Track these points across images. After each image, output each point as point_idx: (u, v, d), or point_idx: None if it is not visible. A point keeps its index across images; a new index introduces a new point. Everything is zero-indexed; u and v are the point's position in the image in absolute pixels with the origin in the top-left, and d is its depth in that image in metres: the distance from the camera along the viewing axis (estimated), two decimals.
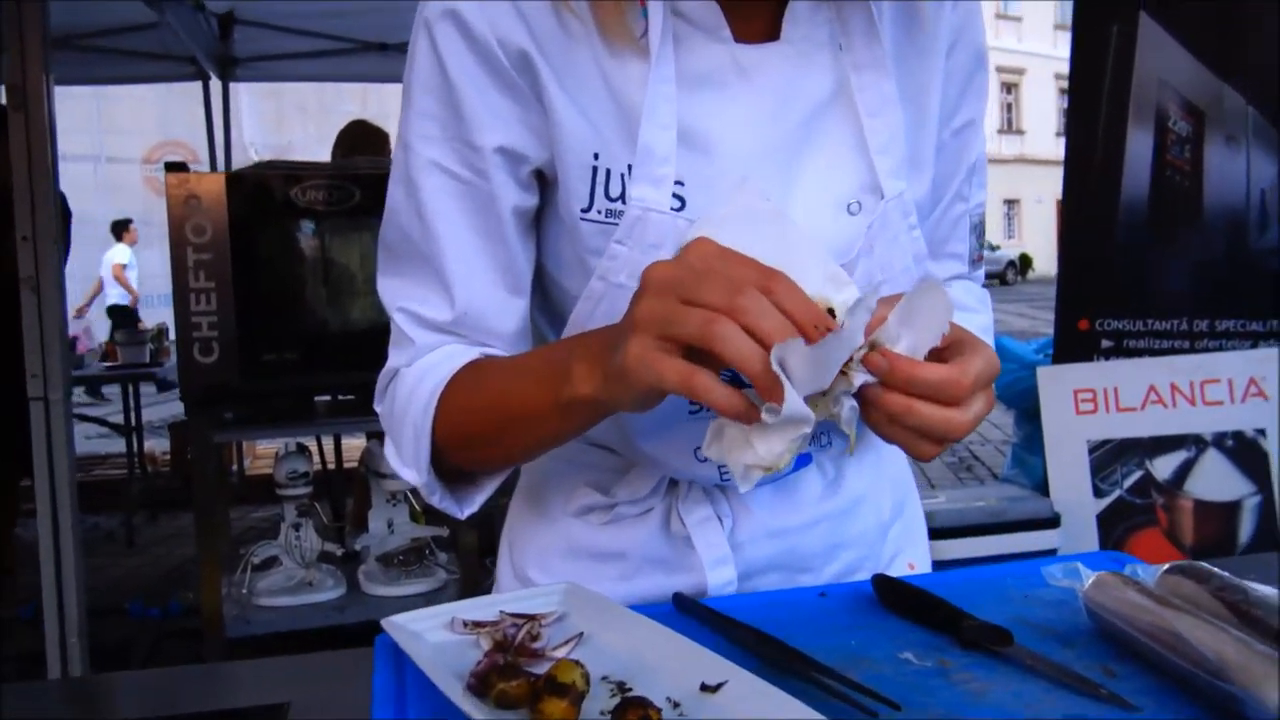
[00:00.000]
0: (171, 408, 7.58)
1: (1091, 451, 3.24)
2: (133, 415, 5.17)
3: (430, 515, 3.73)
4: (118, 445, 6.04)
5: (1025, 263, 31.55)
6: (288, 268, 3.01)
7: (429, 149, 0.80)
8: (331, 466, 4.56)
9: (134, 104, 12.52)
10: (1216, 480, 3.18)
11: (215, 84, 5.43)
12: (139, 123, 12.69)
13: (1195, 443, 3.20)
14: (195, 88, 5.46)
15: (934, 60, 0.84)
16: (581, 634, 0.71)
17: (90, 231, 10.39)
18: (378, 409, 0.87)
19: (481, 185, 0.79)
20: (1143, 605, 0.66)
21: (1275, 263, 3.36)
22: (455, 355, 0.82)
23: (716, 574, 0.86)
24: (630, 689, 0.63)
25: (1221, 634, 0.60)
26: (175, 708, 0.71)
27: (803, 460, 0.88)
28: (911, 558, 0.99)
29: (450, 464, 0.83)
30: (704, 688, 0.62)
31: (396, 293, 0.84)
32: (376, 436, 3.58)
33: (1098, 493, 3.19)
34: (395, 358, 0.85)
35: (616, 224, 0.76)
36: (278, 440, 3.55)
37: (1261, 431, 3.22)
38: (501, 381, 0.79)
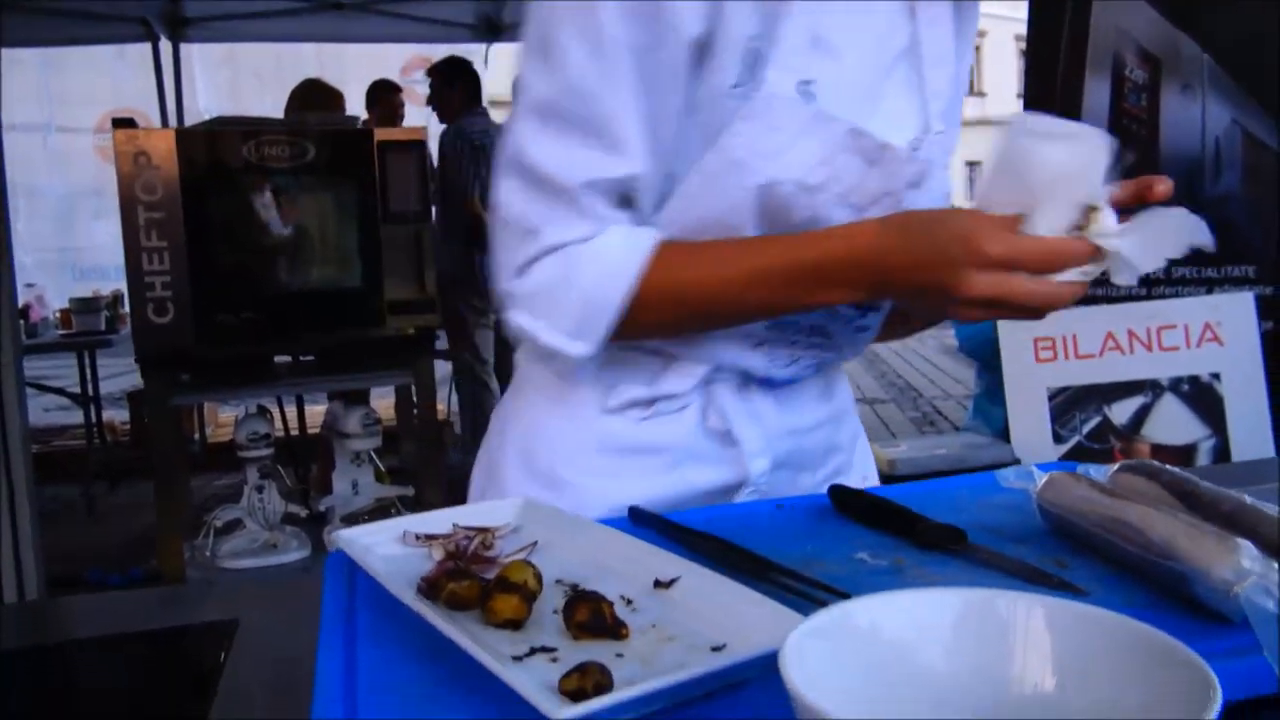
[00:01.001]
0: (130, 379, 7.47)
1: (1051, 399, 3.28)
2: (90, 386, 5.08)
3: (395, 476, 3.71)
4: (76, 417, 5.95)
5: None
6: (242, 227, 2.96)
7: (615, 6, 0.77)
8: (295, 433, 4.52)
9: (83, 72, 12.19)
10: (1173, 424, 3.23)
11: (165, 46, 5.30)
12: (89, 91, 12.36)
13: (1152, 388, 3.25)
14: (146, 54, 5.33)
15: (971, 18, 0.92)
16: (535, 543, 0.70)
17: (41, 206, 10.15)
18: (510, 286, 0.84)
19: (664, 40, 0.78)
20: (1094, 499, 0.67)
21: (1229, 209, 3.39)
22: (638, 236, 0.83)
23: (756, 464, 0.90)
24: (583, 589, 0.63)
25: (1171, 520, 0.60)
26: (127, 627, 0.70)
27: (811, 370, 0.95)
28: (870, 478, 1.06)
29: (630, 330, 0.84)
30: (657, 584, 0.62)
31: (561, 158, 0.81)
32: (339, 398, 3.55)
33: (1057, 439, 3.22)
34: (553, 232, 0.82)
35: (746, 102, 0.80)
36: (238, 404, 3.51)
37: (1216, 375, 3.27)
38: (733, 270, 0.81)
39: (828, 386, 0.99)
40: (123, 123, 2.81)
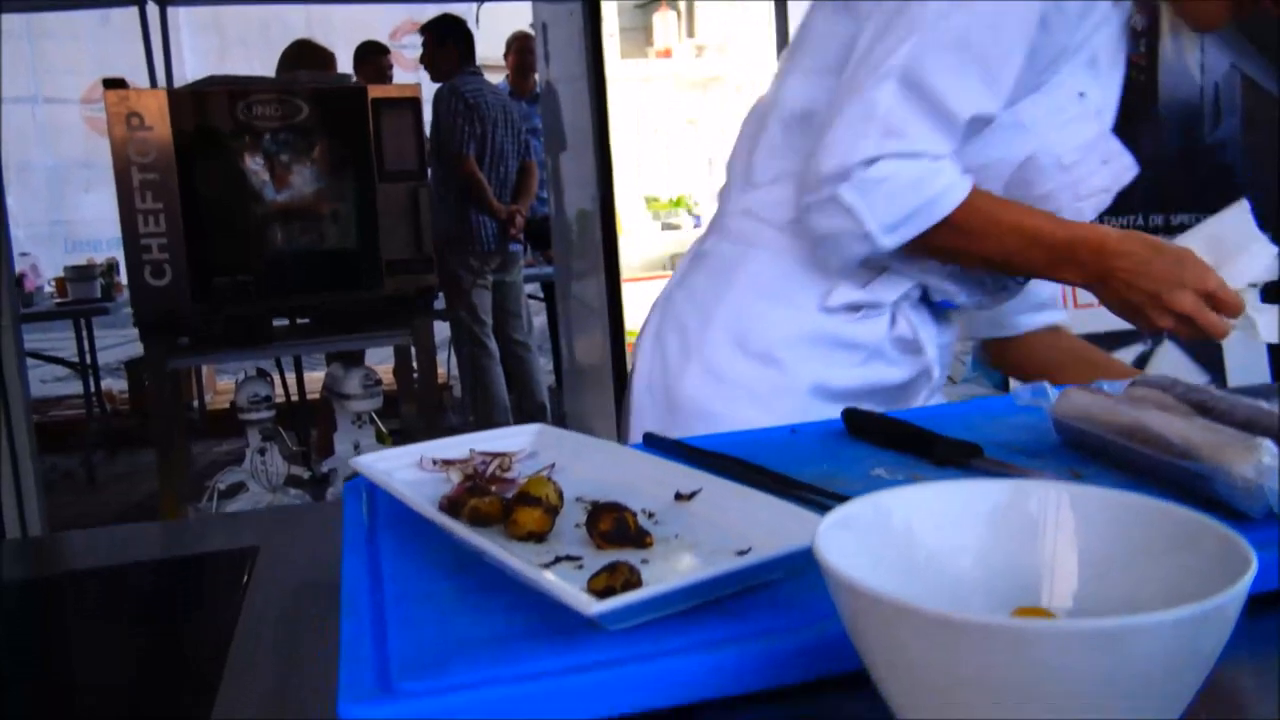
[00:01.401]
0: (127, 349, 7.45)
1: None
2: (88, 355, 5.07)
3: (396, 438, 3.71)
4: (74, 387, 5.93)
5: None
6: (237, 188, 2.93)
7: None
8: (295, 399, 4.51)
9: (68, 41, 12.05)
10: (1172, 370, 3.23)
11: (153, 10, 5.24)
12: (76, 61, 12.20)
13: (1152, 336, 3.25)
14: (132, 19, 5.26)
15: None
16: (553, 464, 0.70)
17: (31, 179, 10.05)
18: (851, 167, 0.96)
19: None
20: (1111, 408, 0.67)
21: (1228, 155, 3.38)
22: (959, 171, 0.99)
23: (938, 367, 1.12)
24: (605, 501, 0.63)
25: (1189, 422, 0.61)
26: (145, 556, 0.70)
27: (947, 302, 1.13)
28: None
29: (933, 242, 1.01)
30: (678, 497, 0.62)
31: (960, 88, 0.95)
32: (338, 359, 3.54)
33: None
34: (920, 142, 0.96)
35: (1044, 83, 1.00)
36: (236, 368, 3.51)
37: None
38: (1021, 220, 0.99)
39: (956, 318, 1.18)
40: (114, 83, 2.78)
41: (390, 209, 3.03)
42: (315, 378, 4.95)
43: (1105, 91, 1.05)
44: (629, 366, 1.29)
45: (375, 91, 3.02)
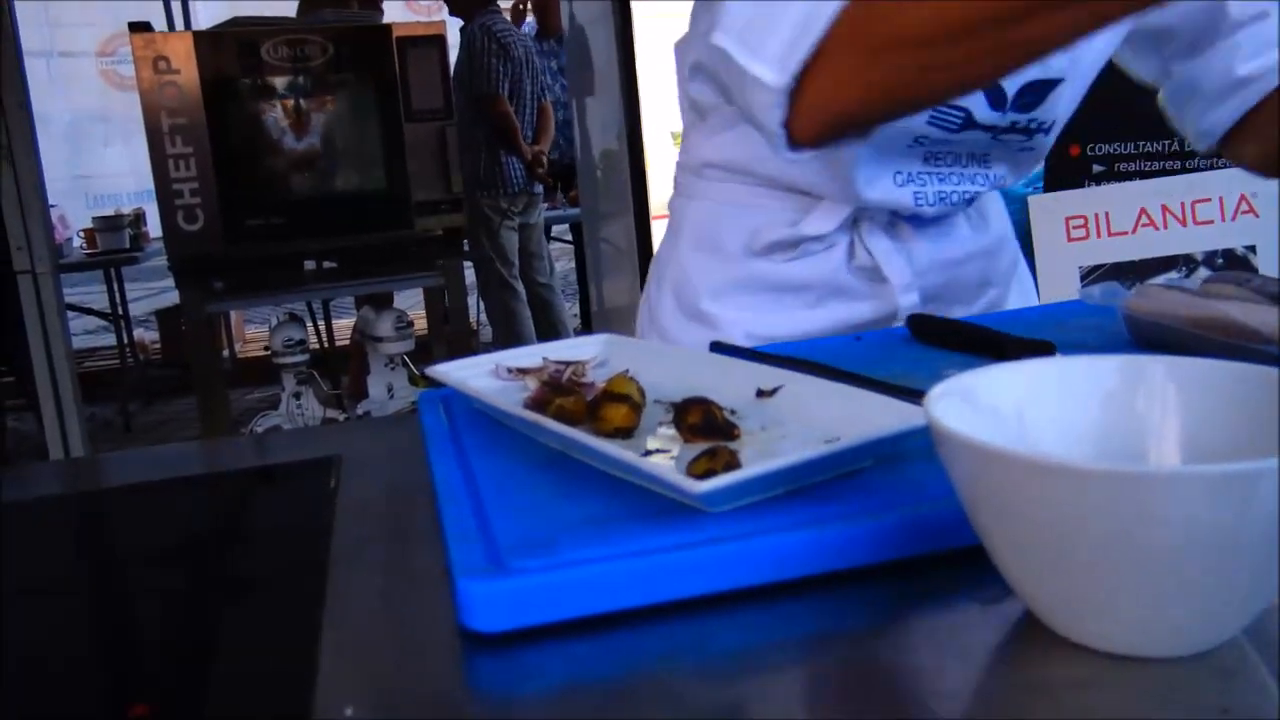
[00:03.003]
0: (155, 300, 7.50)
1: (1084, 278, 3.25)
2: (119, 305, 5.11)
3: (430, 378, 3.74)
4: (106, 339, 5.99)
5: None
6: (265, 130, 2.93)
7: None
8: (326, 346, 4.55)
9: None
10: None
11: None
12: (89, 14, 12.17)
13: (1186, 262, 3.21)
14: None
15: None
16: (627, 370, 0.71)
17: (49, 135, 10.07)
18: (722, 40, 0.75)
19: None
20: (1189, 301, 0.67)
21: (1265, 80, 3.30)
22: None
23: (906, 298, 0.93)
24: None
25: (1270, 309, 0.60)
26: (232, 466, 0.72)
27: (965, 203, 0.95)
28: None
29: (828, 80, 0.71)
30: (760, 393, 0.63)
31: None
32: (369, 302, 3.56)
33: None
34: None
35: None
36: (269, 314, 3.53)
37: (1251, 248, 3.23)
38: None
39: (982, 217, 0.99)
40: (140, 26, 2.77)
41: (418, 149, 3.02)
42: (343, 325, 4.99)
43: None
44: None
45: (400, 30, 3.00)
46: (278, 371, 3.33)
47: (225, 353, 5.55)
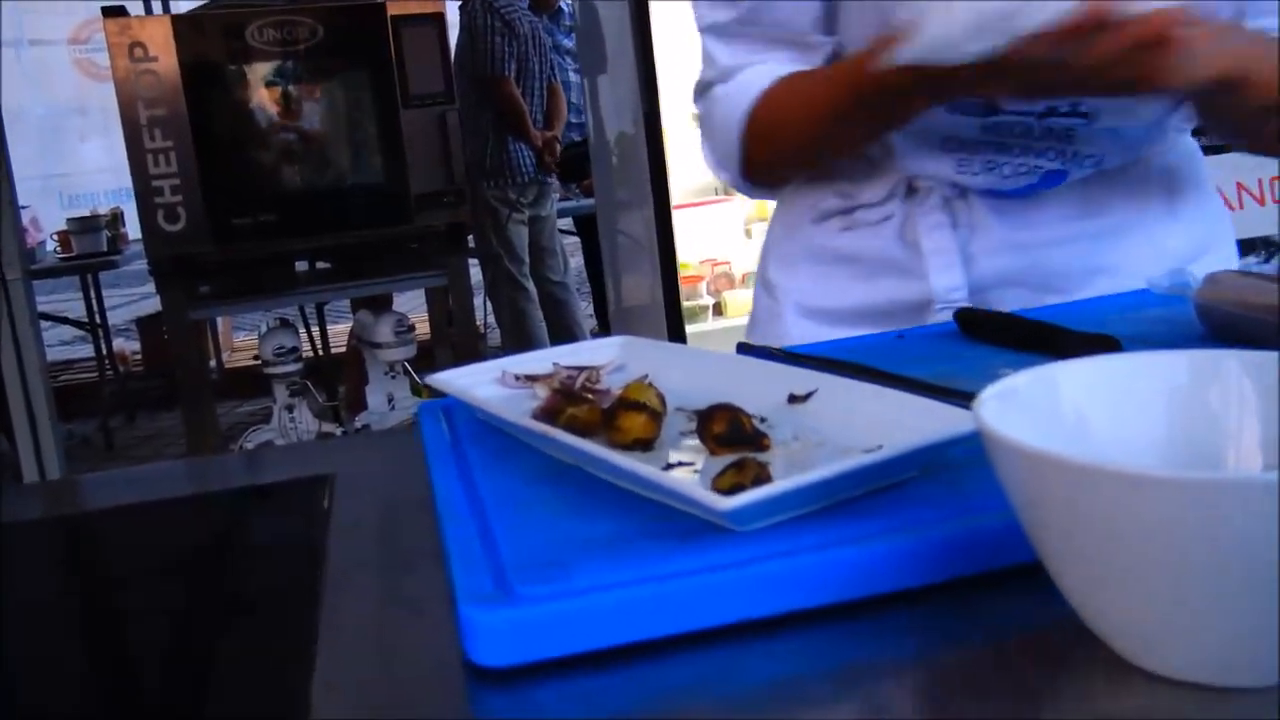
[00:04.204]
0: (135, 307, 7.57)
1: None
2: (96, 313, 5.16)
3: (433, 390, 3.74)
4: (83, 351, 6.05)
5: None
6: (251, 119, 2.95)
7: None
8: (320, 352, 4.57)
9: None
10: None
11: None
12: None
13: (1265, 246, 3.18)
14: None
15: None
16: (646, 375, 0.71)
17: (22, 130, 10.17)
18: (697, 107, 1.02)
19: None
20: (1264, 287, 0.66)
21: None
22: (763, 75, 0.94)
23: (942, 278, 0.94)
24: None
25: None
26: (220, 485, 0.72)
27: (1053, 179, 0.93)
28: None
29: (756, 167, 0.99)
30: (792, 399, 0.62)
31: (698, 10, 0.98)
32: (365, 306, 3.58)
33: None
34: (705, 71, 1.00)
35: None
36: (258, 320, 3.55)
37: None
38: (816, 81, 0.93)
39: (1094, 202, 0.95)
40: (113, 11, 2.79)
41: (417, 137, 3.03)
42: (339, 331, 5.02)
43: None
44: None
45: (394, 8, 3.01)
46: (269, 382, 3.35)
47: (212, 362, 5.59)
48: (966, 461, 0.53)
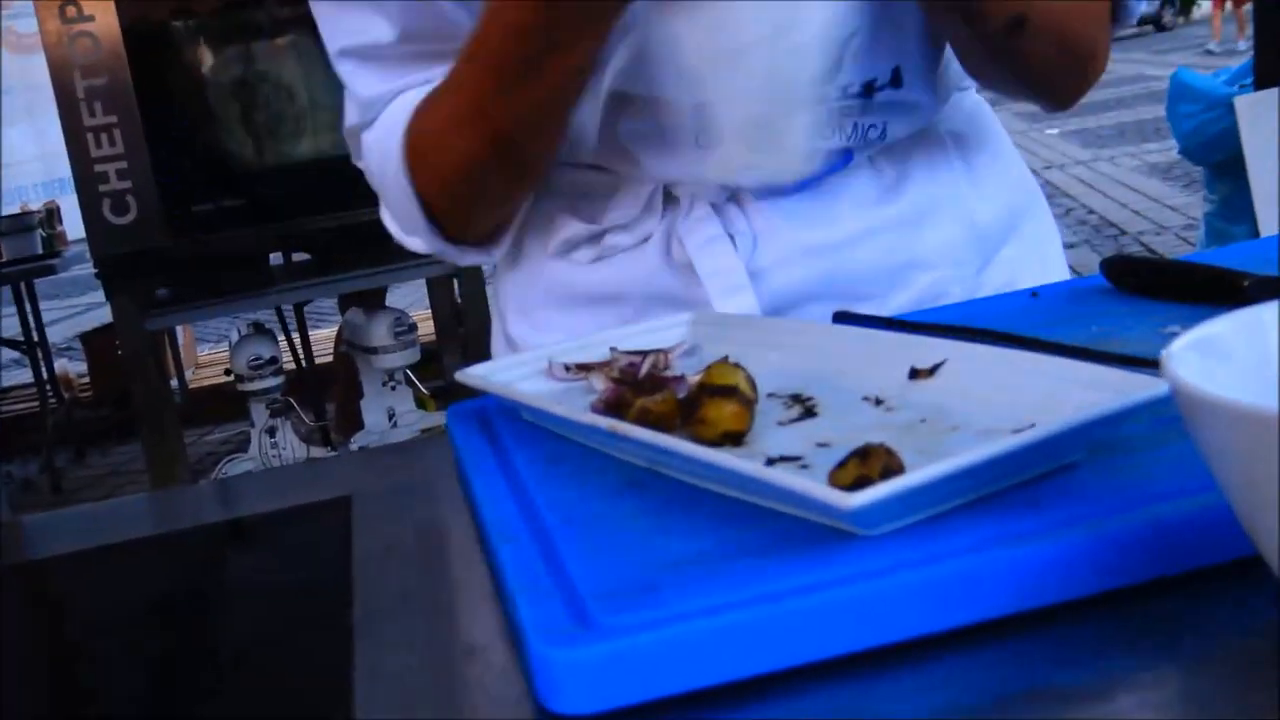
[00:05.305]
0: (79, 321, 7.67)
1: None
2: (33, 330, 5.23)
3: (441, 400, 3.76)
4: (19, 376, 6.15)
5: (1187, 1, 30.68)
6: (208, 86, 2.97)
7: None
8: (303, 363, 4.61)
9: None
10: None
11: None
12: None
13: None
14: None
15: None
16: (727, 356, 0.70)
17: None
18: (358, 164, 0.96)
19: None
20: None
21: None
22: (413, 100, 0.89)
23: (728, 304, 0.88)
24: (810, 399, 0.63)
25: None
26: (229, 513, 0.73)
27: (838, 162, 0.90)
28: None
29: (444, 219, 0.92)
30: (915, 374, 0.61)
31: (326, 24, 0.91)
32: (357, 303, 3.60)
33: None
34: (350, 112, 0.94)
35: None
36: (223, 328, 3.58)
37: None
38: (452, 86, 0.85)
39: (898, 180, 0.93)
40: None
41: None
42: (324, 336, 5.06)
43: None
44: None
45: None
46: (244, 402, 3.38)
47: (174, 382, 5.66)
48: (1140, 441, 0.52)
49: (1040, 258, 1.00)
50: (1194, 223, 5.92)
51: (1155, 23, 27.91)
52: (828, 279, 0.91)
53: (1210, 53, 16.12)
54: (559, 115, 0.83)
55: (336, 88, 0.95)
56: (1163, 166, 8.80)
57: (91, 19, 2.80)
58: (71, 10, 2.80)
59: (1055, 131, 11.69)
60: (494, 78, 0.79)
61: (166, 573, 0.69)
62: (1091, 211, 7.95)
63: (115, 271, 2.91)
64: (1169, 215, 7.31)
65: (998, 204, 0.98)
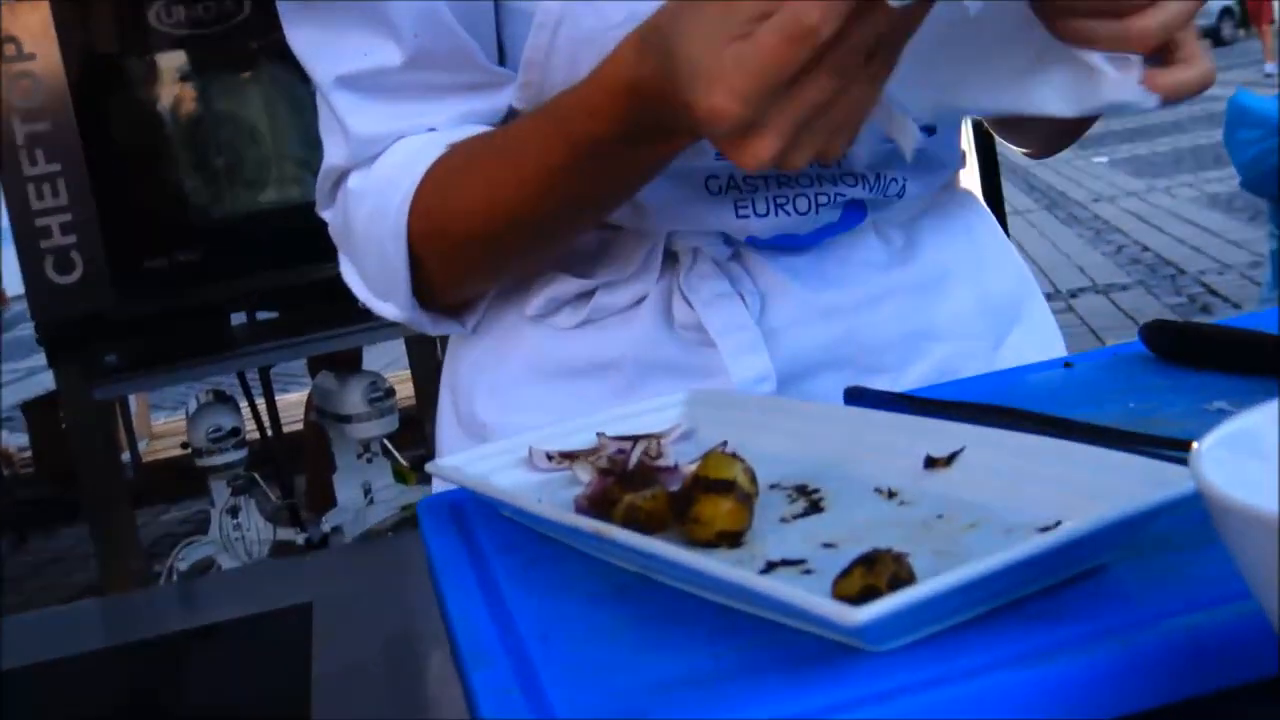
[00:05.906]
0: (20, 388, 7.69)
1: None
2: None
3: (423, 473, 3.76)
4: None
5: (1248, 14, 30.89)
6: (161, 127, 3.00)
7: None
8: (269, 433, 4.61)
9: None
10: None
11: None
12: None
13: None
14: None
15: None
16: (725, 442, 0.71)
17: None
18: (324, 216, 0.95)
19: None
20: None
21: None
22: (425, 150, 0.88)
23: (743, 367, 0.89)
24: (817, 491, 0.63)
25: None
26: (191, 621, 0.73)
27: (851, 217, 0.92)
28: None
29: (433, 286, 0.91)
30: (930, 462, 0.62)
31: (317, 51, 0.89)
32: (328, 366, 3.61)
33: None
34: (334, 151, 0.91)
35: None
36: (183, 390, 3.59)
37: None
38: (496, 155, 0.86)
39: (908, 246, 0.96)
40: None
41: None
42: (292, 402, 5.07)
43: None
44: None
45: None
46: (203, 478, 3.38)
47: (126, 455, 5.66)
48: (1181, 538, 0.52)
49: (1044, 344, 1.03)
50: (1261, 259, 5.94)
51: (1213, 36, 28.07)
52: (841, 344, 0.92)
53: (1269, 75, 16.18)
54: (625, 197, 0.85)
55: (306, 126, 0.96)
56: (1224, 197, 8.84)
57: (33, 57, 2.83)
58: (11, 48, 2.83)
59: (1104, 159, 11.76)
60: (573, 147, 0.79)
61: (111, 692, 0.69)
62: (1146, 249, 7.98)
63: (59, 336, 2.92)
64: (1232, 252, 7.33)
65: (1004, 278, 1.01)
